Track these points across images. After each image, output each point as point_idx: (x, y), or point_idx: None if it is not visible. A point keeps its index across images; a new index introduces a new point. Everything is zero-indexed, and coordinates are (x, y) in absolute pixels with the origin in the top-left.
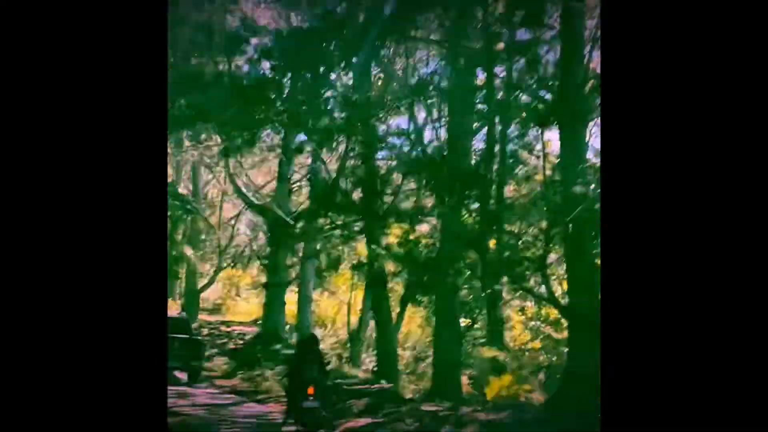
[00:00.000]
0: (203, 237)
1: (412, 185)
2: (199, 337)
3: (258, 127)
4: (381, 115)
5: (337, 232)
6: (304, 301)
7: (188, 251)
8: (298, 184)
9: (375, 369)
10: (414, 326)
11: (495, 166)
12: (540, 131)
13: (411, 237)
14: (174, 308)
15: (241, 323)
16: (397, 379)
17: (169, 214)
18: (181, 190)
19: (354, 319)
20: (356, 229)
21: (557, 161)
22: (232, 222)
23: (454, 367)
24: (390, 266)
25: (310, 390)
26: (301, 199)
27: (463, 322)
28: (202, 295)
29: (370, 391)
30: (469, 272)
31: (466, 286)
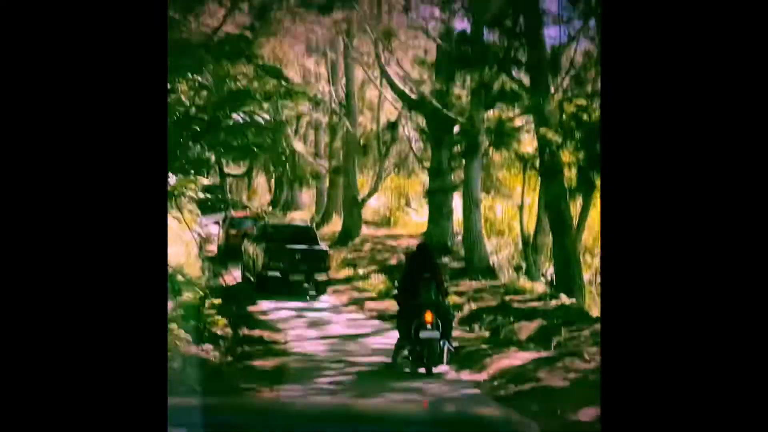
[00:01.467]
0: (361, 143)
1: None
2: (324, 248)
3: None
4: None
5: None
6: (470, 206)
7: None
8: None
9: (553, 281)
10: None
11: None
12: None
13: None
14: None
15: (411, 236)
16: (581, 292)
17: (326, 121)
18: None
19: (530, 223)
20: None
21: None
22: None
23: None
24: (565, 155)
25: (428, 316)
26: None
27: None
28: (372, 207)
29: (545, 309)
30: None
31: None
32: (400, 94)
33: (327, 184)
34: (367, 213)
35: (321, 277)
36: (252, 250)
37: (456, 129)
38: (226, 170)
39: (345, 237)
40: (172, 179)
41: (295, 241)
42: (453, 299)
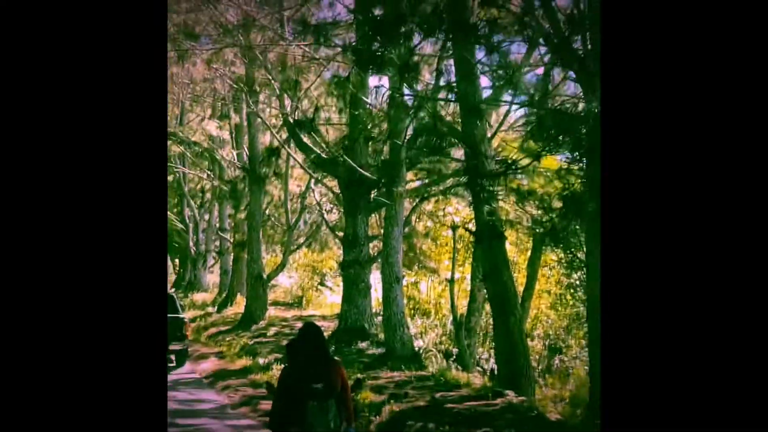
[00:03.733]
0: (267, 214)
1: None
2: (180, 316)
3: None
4: None
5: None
6: (390, 282)
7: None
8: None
9: (495, 372)
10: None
11: None
12: None
13: None
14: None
15: (324, 317)
16: (530, 385)
17: (228, 185)
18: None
19: (461, 302)
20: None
21: None
22: (300, 191)
23: None
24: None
25: None
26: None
27: None
28: (284, 286)
29: (490, 411)
30: None
31: None
32: (310, 155)
33: (231, 261)
34: (277, 293)
35: (175, 346)
36: None
37: (374, 192)
38: None
39: (248, 319)
40: None
41: None
42: (369, 397)
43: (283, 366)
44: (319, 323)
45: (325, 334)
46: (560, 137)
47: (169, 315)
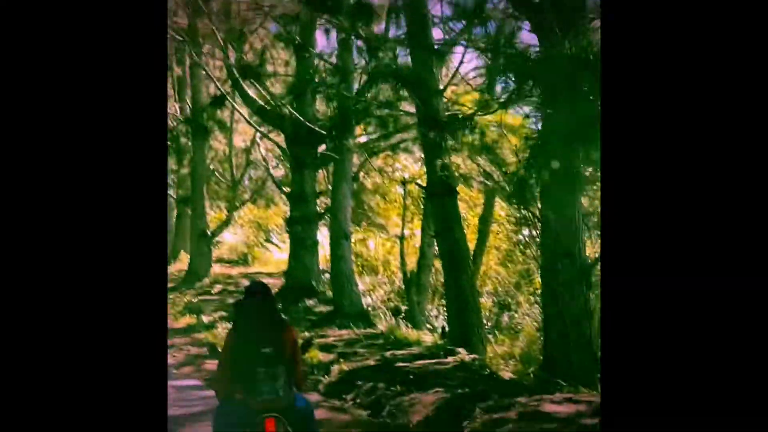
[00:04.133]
0: (211, 169)
1: None
2: None
3: None
4: None
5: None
6: (338, 239)
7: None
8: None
9: (445, 330)
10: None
11: None
12: None
13: None
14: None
15: (270, 275)
16: (483, 345)
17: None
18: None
19: (411, 259)
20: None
21: None
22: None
23: (581, 319)
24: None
25: (269, 425)
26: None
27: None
28: (229, 243)
29: (442, 370)
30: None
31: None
32: (255, 108)
33: (174, 217)
34: (222, 250)
35: None
36: None
37: (322, 147)
38: None
39: (192, 277)
40: None
41: None
42: (318, 356)
43: (229, 327)
44: (265, 281)
45: (273, 291)
46: (516, 87)
47: None
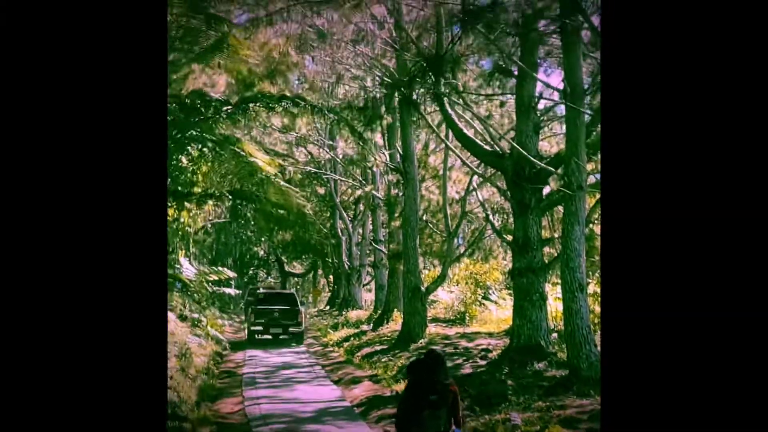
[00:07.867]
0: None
1: None
2: (297, 308)
3: None
4: None
5: None
6: (572, 291)
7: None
8: None
9: None
10: None
11: None
12: None
13: None
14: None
15: (490, 334)
16: None
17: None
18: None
19: None
20: None
21: None
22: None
23: None
24: None
25: None
26: None
27: None
28: (444, 301)
29: None
30: None
31: None
32: (470, 147)
33: (386, 275)
34: (437, 308)
35: (295, 329)
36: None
37: (552, 184)
38: (287, 269)
39: (406, 338)
40: None
41: (278, 303)
42: None
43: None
44: (485, 341)
45: (495, 353)
46: None
47: (289, 307)
